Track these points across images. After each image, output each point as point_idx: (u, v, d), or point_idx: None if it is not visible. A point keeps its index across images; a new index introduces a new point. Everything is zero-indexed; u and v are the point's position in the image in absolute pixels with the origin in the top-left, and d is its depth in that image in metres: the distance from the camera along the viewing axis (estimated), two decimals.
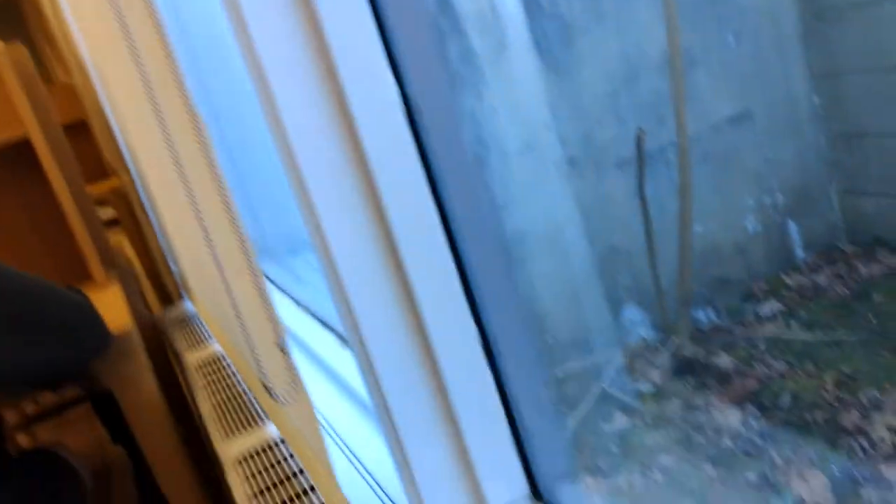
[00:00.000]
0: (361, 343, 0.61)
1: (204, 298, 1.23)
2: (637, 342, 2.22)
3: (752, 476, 1.62)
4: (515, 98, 2.12)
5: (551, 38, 2.13)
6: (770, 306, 2.23)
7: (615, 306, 2.25)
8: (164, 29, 0.97)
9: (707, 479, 1.66)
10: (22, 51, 1.66)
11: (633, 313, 2.26)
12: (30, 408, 2.48)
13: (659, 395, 2.00)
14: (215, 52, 2.05)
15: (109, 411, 2.12)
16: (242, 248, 0.71)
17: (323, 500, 0.78)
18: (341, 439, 0.90)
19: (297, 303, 1.31)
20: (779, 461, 1.62)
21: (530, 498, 0.66)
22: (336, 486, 0.67)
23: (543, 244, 2.16)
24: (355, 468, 0.84)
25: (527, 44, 2.11)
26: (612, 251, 2.24)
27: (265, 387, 0.65)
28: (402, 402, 0.63)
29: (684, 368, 2.07)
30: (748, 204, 2.34)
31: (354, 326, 0.61)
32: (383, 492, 0.78)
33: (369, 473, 0.82)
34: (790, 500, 1.49)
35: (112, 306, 1.22)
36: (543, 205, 2.17)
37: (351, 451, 0.87)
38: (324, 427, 0.95)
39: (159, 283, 2.08)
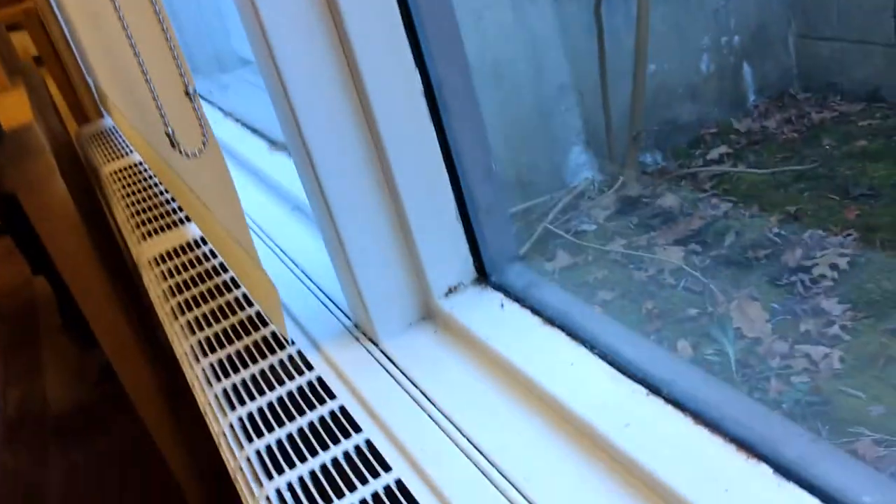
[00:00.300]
0: (289, 104, 0.52)
1: (122, 103, 1.11)
2: (583, 183, 2.17)
3: (692, 310, 1.62)
4: None
5: None
6: (718, 150, 2.19)
7: (563, 146, 2.18)
8: None
9: (647, 312, 1.66)
10: None
11: (580, 154, 2.19)
12: None
13: (602, 234, 1.97)
14: None
15: (30, 242, 2.01)
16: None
17: (246, 290, 0.70)
18: (274, 241, 0.82)
19: (223, 111, 1.21)
20: (720, 296, 1.62)
21: (477, 282, 0.60)
22: (261, 272, 0.59)
23: (491, 79, 2.05)
24: (286, 265, 0.76)
25: None
26: (561, 89, 2.15)
27: (170, 140, 0.56)
28: (334, 172, 0.55)
29: (629, 208, 2.03)
30: (704, 43, 2.25)
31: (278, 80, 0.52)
32: (314, 283, 0.71)
33: (302, 271, 0.75)
34: (730, 331, 1.49)
35: (12, 107, 1.09)
36: (493, 35, 2.04)
37: (282, 251, 0.79)
38: (252, 230, 0.86)
39: (79, 108, 1.94)
